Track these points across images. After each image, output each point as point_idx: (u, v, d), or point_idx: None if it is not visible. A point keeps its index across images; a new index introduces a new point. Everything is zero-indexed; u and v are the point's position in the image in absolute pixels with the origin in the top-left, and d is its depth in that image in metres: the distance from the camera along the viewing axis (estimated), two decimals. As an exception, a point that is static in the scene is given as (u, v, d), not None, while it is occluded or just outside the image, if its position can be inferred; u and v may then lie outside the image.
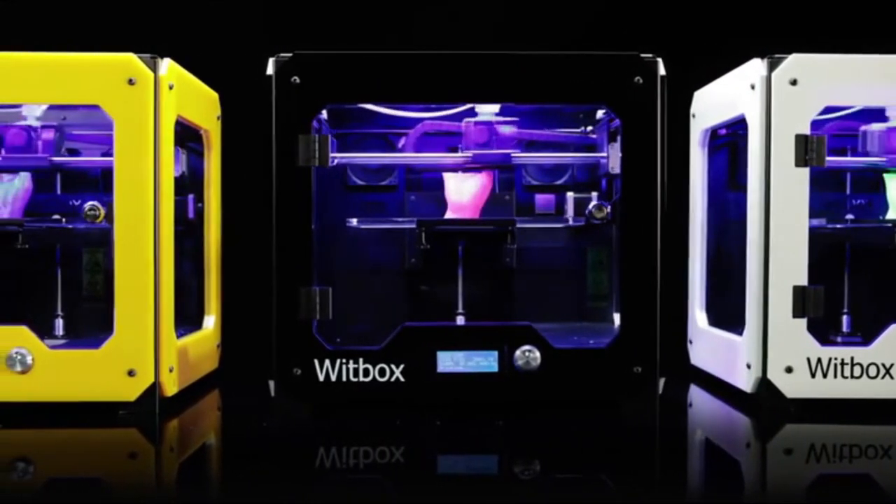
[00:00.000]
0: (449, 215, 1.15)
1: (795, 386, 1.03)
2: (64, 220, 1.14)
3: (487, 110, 1.13)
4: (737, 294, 1.11)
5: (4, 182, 1.13)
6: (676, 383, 1.18)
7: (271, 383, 1.04)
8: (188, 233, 1.18)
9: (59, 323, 1.17)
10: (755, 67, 1.04)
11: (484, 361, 1.03)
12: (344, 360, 1.03)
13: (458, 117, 1.14)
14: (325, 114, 1.11)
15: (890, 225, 1.12)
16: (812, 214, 1.03)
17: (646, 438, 1.00)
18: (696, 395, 1.18)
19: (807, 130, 1.02)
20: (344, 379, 1.03)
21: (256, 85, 1.06)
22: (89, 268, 1.21)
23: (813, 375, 1.03)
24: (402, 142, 1.20)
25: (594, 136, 1.21)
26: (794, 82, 1.02)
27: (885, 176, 1.18)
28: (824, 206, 1.18)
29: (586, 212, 1.10)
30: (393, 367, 1.03)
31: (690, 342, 1.26)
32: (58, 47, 1.02)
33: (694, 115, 1.25)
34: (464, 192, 1.14)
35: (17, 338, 1.01)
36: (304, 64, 1.02)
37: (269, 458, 0.93)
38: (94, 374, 1.01)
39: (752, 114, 1.05)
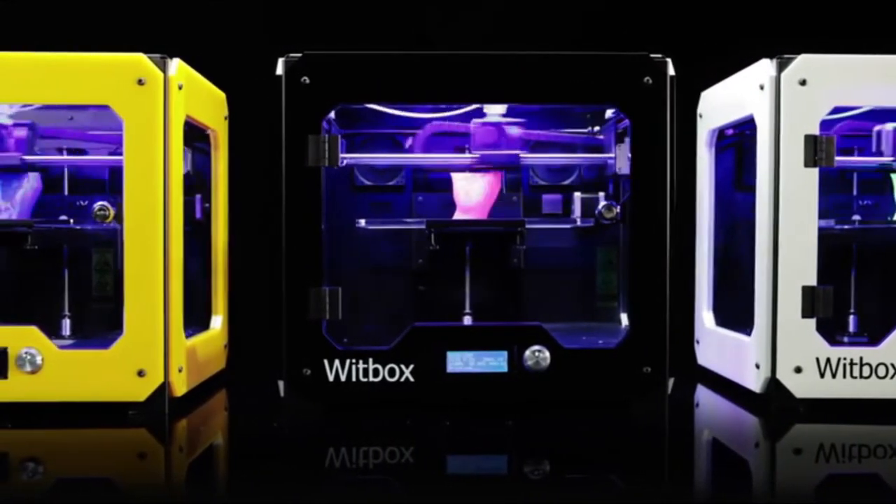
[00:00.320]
0: (458, 216, 1.15)
1: (804, 386, 1.03)
2: (72, 220, 1.14)
3: (495, 111, 1.13)
4: (744, 294, 1.11)
5: (13, 183, 1.13)
6: (683, 383, 1.18)
7: (281, 383, 1.04)
8: (196, 233, 1.18)
9: (66, 323, 1.17)
10: (764, 68, 1.05)
11: (494, 361, 1.03)
12: (354, 361, 1.03)
13: (466, 118, 1.15)
14: (332, 114, 1.11)
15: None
16: (819, 216, 1.04)
17: (655, 438, 1.00)
18: (704, 395, 1.18)
19: (816, 131, 1.02)
20: (354, 379, 1.03)
21: (260, 85, 1.06)
22: (97, 268, 1.21)
23: (822, 375, 1.03)
24: (409, 142, 1.21)
25: (601, 136, 1.21)
26: (803, 83, 1.02)
27: (893, 177, 1.18)
28: (831, 208, 1.18)
29: (596, 212, 1.10)
30: (402, 367, 1.03)
31: (697, 342, 1.26)
32: (60, 47, 1.02)
33: (701, 116, 1.25)
34: (473, 193, 1.14)
35: (27, 338, 1.01)
36: (314, 64, 1.02)
37: (279, 458, 0.93)
38: (104, 374, 1.01)
39: (761, 114, 1.05)
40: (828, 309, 1.03)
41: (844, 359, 1.03)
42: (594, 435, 1.00)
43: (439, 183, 1.21)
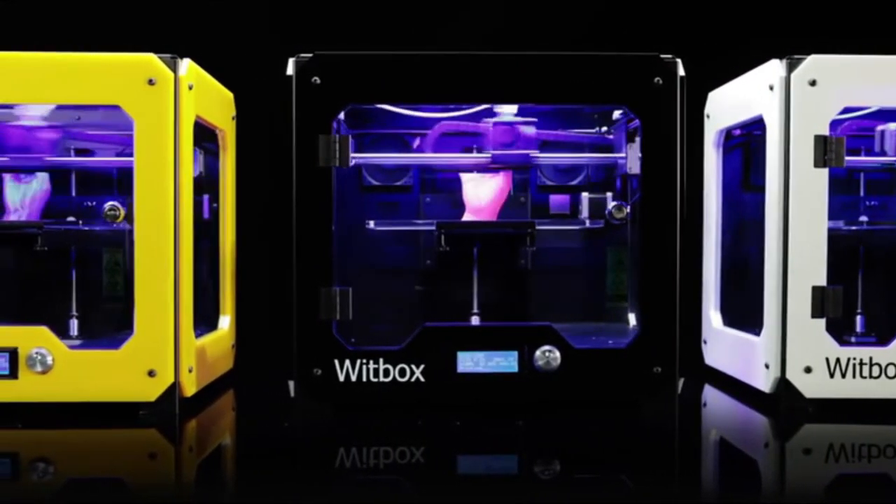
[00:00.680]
0: (467, 217, 1.15)
1: (814, 386, 1.04)
2: (80, 221, 1.14)
3: (508, 111, 1.13)
4: (752, 294, 1.11)
5: (22, 184, 1.13)
6: (691, 383, 1.18)
7: (291, 383, 1.04)
8: (204, 233, 1.18)
9: (74, 323, 1.17)
10: (774, 68, 1.05)
11: (504, 362, 1.03)
12: (364, 361, 1.03)
13: (475, 118, 1.15)
14: (342, 114, 1.11)
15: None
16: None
17: (665, 438, 1.00)
18: (712, 395, 1.18)
19: (826, 131, 1.03)
20: (364, 379, 1.03)
21: (264, 85, 1.06)
22: (108, 268, 1.20)
23: (832, 375, 1.03)
24: (416, 142, 1.21)
25: (611, 136, 1.21)
26: (813, 83, 1.03)
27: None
28: (838, 208, 1.18)
29: (606, 212, 1.10)
30: (413, 367, 1.03)
31: (704, 342, 1.27)
32: (61, 47, 1.02)
33: (708, 116, 1.25)
34: (482, 194, 1.14)
35: (38, 338, 1.01)
36: (325, 64, 1.02)
37: (290, 458, 0.93)
38: (114, 374, 1.01)
39: (771, 115, 1.05)
40: (837, 309, 1.03)
41: (854, 359, 1.04)
42: (604, 435, 1.00)
43: (447, 183, 1.21)
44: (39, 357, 1.00)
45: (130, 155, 1.01)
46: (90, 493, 0.83)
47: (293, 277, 1.02)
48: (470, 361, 1.03)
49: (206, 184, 1.20)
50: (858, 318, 1.20)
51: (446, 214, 1.20)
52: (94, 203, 1.19)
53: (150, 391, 1.01)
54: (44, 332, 1.01)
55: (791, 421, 1.03)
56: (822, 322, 1.03)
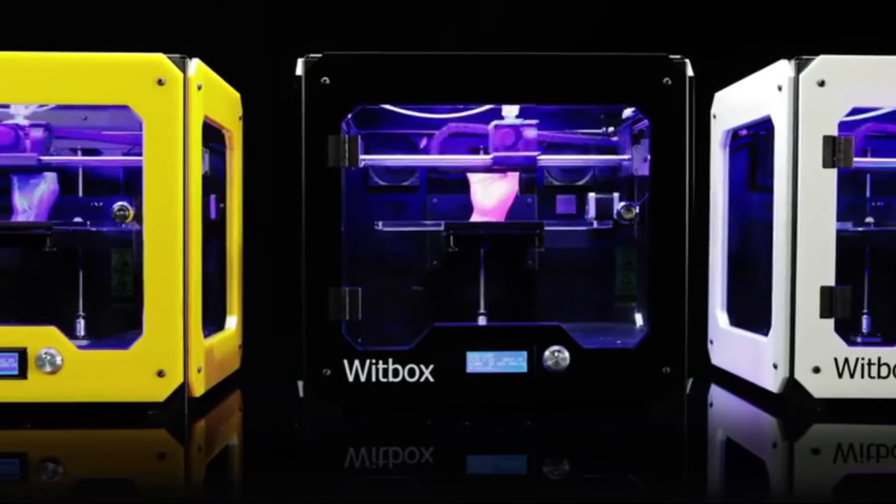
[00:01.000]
0: (475, 218, 1.15)
1: (823, 386, 1.04)
2: (88, 222, 1.14)
3: (510, 112, 1.13)
4: (760, 294, 1.12)
5: (30, 184, 1.13)
6: (698, 383, 1.18)
7: (300, 384, 1.04)
8: (211, 233, 1.18)
9: (81, 323, 1.17)
10: (782, 69, 1.05)
11: (513, 362, 1.03)
12: (373, 361, 1.03)
13: (482, 118, 1.15)
14: (350, 114, 1.11)
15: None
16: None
17: (674, 438, 1.00)
18: (719, 395, 1.18)
19: (834, 132, 1.03)
20: (373, 379, 1.03)
21: (269, 85, 1.06)
22: (116, 268, 1.20)
23: (840, 375, 1.04)
24: (423, 142, 1.21)
25: (616, 138, 1.21)
26: (821, 84, 1.03)
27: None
28: (844, 209, 1.18)
29: (615, 212, 1.10)
30: (422, 367, 1.03)
31: (711, 342, 1.27)
32: (62, 47, 1.02)
33: (715, 116, 1.25)
34: (491, 196, 1.14)
35: (47, 338, 1.01)
36: (334, 64, 1.02)
37: (299, 458, 0.93)
38: (124, 374, 1.01)
39: (779, 115, 1.05)
40: (846, 309, 1.03)
41: (862, 359, 1.04)
42: (613, 435, 1.00)
43: (454, 183, 1.21)
44: (49, 357, 1.00)
45: (136, 155, 1.01)
46: (99, 494, 0.83)
47: (302, 277, 1.02)
48: (479, 362, 1.03)
49: (212, 184, 1.20)
50: (864, 318, 1.20)
51: (453, 215, 1.20)
52: (101, 203, 1.18)
53: (160, 391, 1.01)
54: (53, 332, 1.01)
55: (799, 421, 1.03)
56: (830, 322, 1.03)
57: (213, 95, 1.10)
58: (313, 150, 1.02)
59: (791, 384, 1.04)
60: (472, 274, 1.18)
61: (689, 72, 1.03)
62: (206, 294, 1.06)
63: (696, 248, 1.23)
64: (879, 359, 1.04)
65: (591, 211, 1.15)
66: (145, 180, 1.00)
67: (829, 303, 1.03)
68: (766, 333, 1.09)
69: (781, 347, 1.05)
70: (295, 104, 1.02)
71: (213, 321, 1.18)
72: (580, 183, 1.23)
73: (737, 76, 1.20)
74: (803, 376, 1.04)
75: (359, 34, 1.49)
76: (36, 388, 1.01)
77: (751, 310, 1.17)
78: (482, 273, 1.17)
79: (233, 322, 1.21)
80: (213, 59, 1.10)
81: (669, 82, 1.03)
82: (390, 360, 1.03)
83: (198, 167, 1.03)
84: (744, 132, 1.23)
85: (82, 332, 1.17)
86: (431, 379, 1.03)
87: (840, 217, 1.05)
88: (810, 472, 0.91)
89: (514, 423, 1.02)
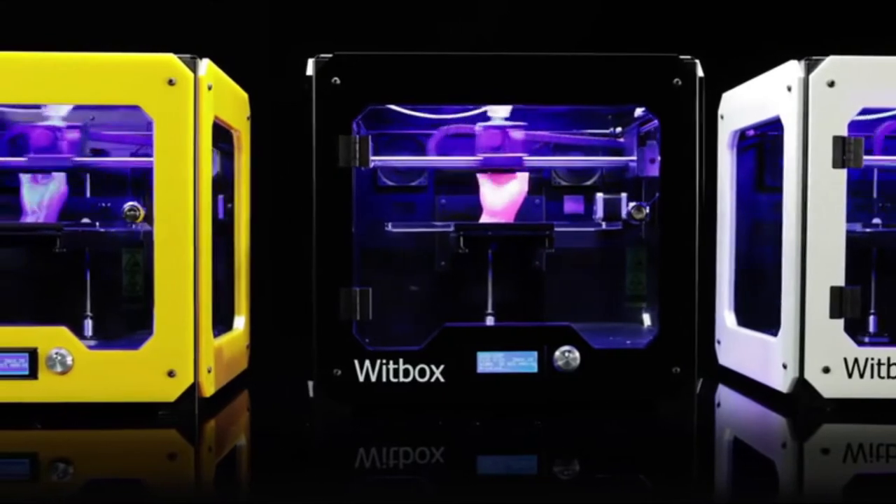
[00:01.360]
0: (484, 219, 1.15)
1: (832, 386, 1.04)
2: (98, 223, 1.14)
3: (501, 114, 1.13)
4: (768, 294, 1.12)
5: (39, 185, 1.13)
6: (706, 383, 1.19)
7: (310, 384, 1.04)
8: (220, 233, 1.18)
9: (88, 324, 1.17)
10: (791, 69, 1.05)
11: (524, 362, 1.04)
12: (384, 361, 1.03)
13: (483, 119, 1.15)
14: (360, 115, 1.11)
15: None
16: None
17: (683, 438, 1.00)
18: (727, 395, 1.18)
19: (844, 132, 1.03)
20: (384, 379, 1.03)
21: (277, 86, 1.06)
22: (127, 269, 1.20)
23: (850, 375, 1.04)
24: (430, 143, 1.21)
25: (621, 139, 1.22)
26: (831, 84, 1.03)
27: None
28: (851, 210, 1.18)
29: (625, 213, 1.10)
30: (433, 367, 1.03)
31: (718, 342, 1.27)
32: (64, 47, 1.02)
33: (722, 117, 1.25)
34: (501, 197, 1.14)
35: (57, 338, 1.01)
36: (345, 65, 1.02)
37: (309, 458, 0.93)
38: (134, 374, 1.01)
39: (789, 115, 1.05)
40: (855, 309, 1.04)
41: (872, 359, 1.04)
42: (622, 435, 1.00)
43: (463, 184, 1.21)
44: (59, 357, 1.00)
45: (145, 155, 1.01)
46: (110, 494, 0.83)
47: (312, 277, 1.02)
48: (489, 362, 1.04)
49: (221, 184, 1.20)
50: (871, 318, 1.20)
51: (461, 215, 1.20)
52: (109, 204, 1.18)
53: (170, 391, 1.01)
54: (63, 332, 1.01)
55: (809, 421, 1.03)
56: (840, 322, 1.04)
57: (223, 96, 1.10)
58: (324, 151, 1.02)
59: (801, 384, 1.04)
60: (480, 274, 1.18)
61: (700, 72, 1.04)
62: (214, 294, 1.06)
63: (704, 248, 1.24)
64: (889, 359, 1.04)
65: (599, 211, 1.15)
66: (156, 180, 1.00)
67: (840, 303, 1.03)
68: (774, 334, 1.09)
69: (791, 347, 1.05)
70: (305, 104, 1.02)
71: (221, 321, 1.18)
72: (588, 183, 1.23)
73: (744, 77, 1.20)
74: (813, 376, 1.04)
75: (359, 34, 1.49)
76: (46, 389, 1.01)
77: (759, 310, 1.18)
78: (490, 273, 1.17)
79: (241, 322, 1.21)
80: (219, 60, 1.10)
81: (679, 83, 1.03)
82: (401, 361, 1.03)
83: (208, 167, 1.02)
84: (751, 133, 1.23)
85: (90, 333, 1.16)
86: (442, 379, 1.03)
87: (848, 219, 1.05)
88: (820, 472, 0.91)
89: (525, 423, 1.02)
